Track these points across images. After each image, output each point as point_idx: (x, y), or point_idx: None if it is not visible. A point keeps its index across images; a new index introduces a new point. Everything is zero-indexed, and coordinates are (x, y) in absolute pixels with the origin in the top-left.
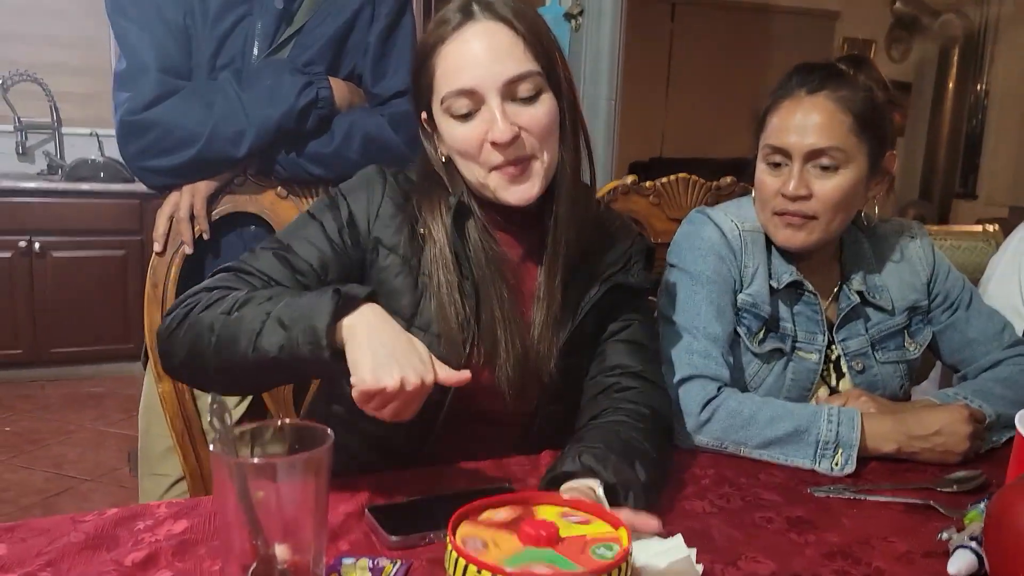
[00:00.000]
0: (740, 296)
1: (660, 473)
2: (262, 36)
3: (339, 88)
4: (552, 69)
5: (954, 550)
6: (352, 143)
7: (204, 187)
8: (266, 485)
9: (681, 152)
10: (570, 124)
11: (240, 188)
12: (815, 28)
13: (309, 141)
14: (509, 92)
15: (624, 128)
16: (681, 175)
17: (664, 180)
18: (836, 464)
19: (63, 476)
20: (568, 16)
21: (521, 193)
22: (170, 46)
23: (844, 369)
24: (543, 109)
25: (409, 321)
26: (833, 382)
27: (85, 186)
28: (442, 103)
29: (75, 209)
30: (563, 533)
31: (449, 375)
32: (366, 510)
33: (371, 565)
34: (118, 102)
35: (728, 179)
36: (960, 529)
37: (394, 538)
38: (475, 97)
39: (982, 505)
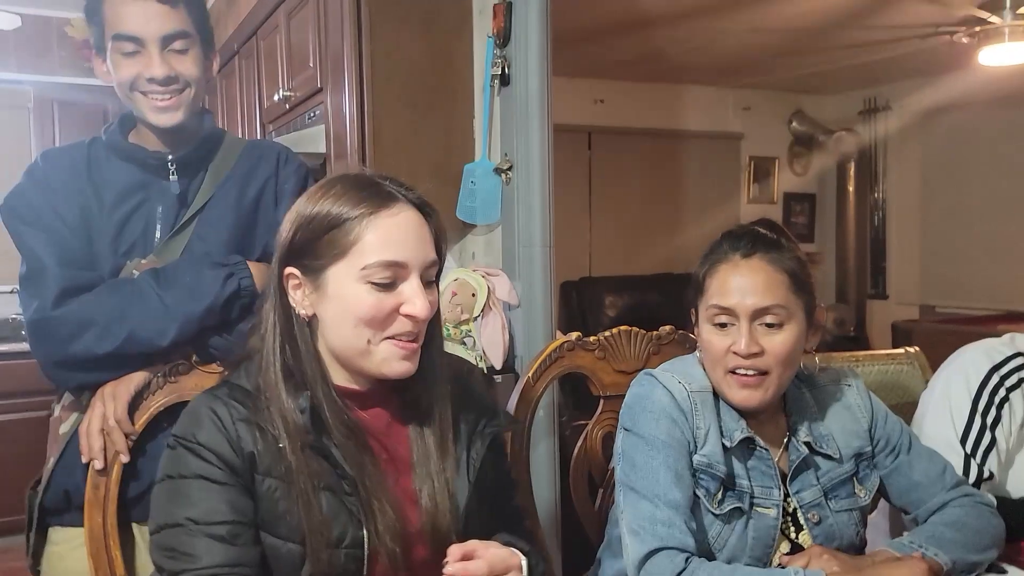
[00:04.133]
0: (695, 457)
1: None
2: (163, 219)
3: (258, 272)
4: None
5: None
6: None
7: (124, 389)
8: None
9: (607, 271)
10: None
11: (181, 376)
12: (723, 149)
13: (237, 325)
14: (425, 275)
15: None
16: (623, 328)
17: (607, 334)
18: None
19: None
20: (498, 171)
21: (407, 367)
22: (68, 240)
23: (801, 521)
24: (435, 294)
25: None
26: (793, 535)
27: (4, 347)
28: (362, 269)
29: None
30: None
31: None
32: None
33: None
34: (25, 307)
35: (667, 328)
36: None
37: None
38: (403, 271)
39: None
